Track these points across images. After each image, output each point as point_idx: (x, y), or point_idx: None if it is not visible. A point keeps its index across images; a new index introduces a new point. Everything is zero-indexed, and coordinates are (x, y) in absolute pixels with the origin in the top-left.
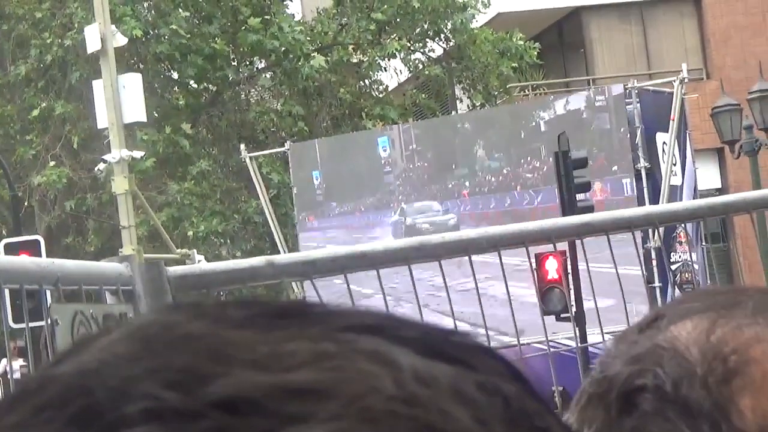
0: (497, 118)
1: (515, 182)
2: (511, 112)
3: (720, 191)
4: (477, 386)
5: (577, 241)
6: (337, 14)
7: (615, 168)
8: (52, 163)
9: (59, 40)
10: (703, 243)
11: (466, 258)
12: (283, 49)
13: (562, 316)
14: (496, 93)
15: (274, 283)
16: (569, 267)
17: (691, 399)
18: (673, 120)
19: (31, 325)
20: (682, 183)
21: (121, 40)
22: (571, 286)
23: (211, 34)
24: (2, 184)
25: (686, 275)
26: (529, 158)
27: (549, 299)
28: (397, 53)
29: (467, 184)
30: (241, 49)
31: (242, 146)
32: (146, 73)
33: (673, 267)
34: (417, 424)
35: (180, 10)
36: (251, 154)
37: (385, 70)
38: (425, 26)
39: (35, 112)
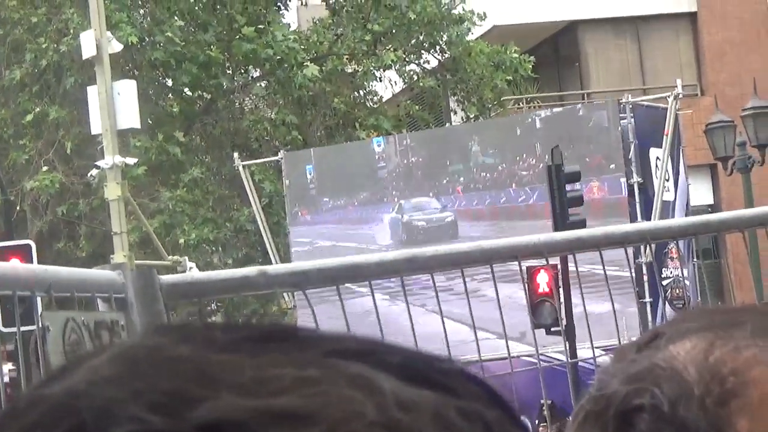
0: (492, 125)
1: (510, 179)
2: (507, 122)
3: (712, 207)
4: (458, 412)
5: (570, 255)
6: (332, 24)
7: (612, 166)
8: (44, 168)
9: (54, 45)
10: (695, 259)
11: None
12: (277, 57)
13: (552, 329)
14: (490, 105)
15: (265, 293)
16: (560, 281)
17: (688, 420)
18: (667, 135)
19: (22, 329)
20: (675, 198)
21: (116, 47)
22: (562, 300)
23: (206, 42)
24: None
25: (677, 291)
26: (524, 155)
27: (540, 313)
28: (392, 64)
29: (461, 180)
30: (236, 58)
31: (235, 154)
32: (141, 79)
33: (665, 282)
34: None
35: (175, 18)
36: (244, 163)
37: (380, 81)
38: (421, 38)
39: (29, 117)
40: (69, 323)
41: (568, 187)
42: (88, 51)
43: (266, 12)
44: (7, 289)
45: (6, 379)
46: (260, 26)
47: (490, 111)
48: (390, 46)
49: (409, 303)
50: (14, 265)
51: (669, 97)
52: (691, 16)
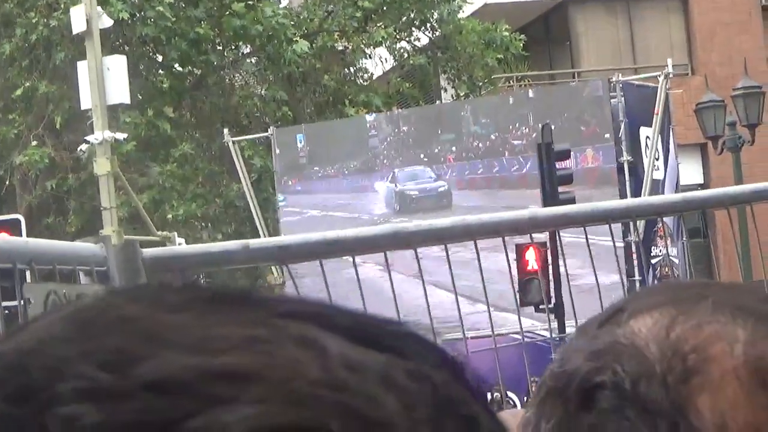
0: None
1: (503, 148)
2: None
3: (702, 187)
4: (406, 373)
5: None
6: (323, 1)
7: (607, 135)
8: (34, 143)
9: (45, 20)
10: (684, 238)
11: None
12: (267, 34)
13: (540, 307)
14: (480, 83)
15: (251, 267)
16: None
17: (650, 397)
18: (657, 115)
19: (8, 304)
20: (665, 177)
21: (106, 22)
22: (551, 277)
23: (196, 17)
24: None
25: (666, 269)
26: (517, 124)
27: (528, 290)
28: (382, 41)
29: (453, 149)
30: (226, 34)
31: (225, 130)
32: (131, 55)
33: (654, 261)
34: (342, 408)
35: None
36: (234, 139)
37: (370, 58)
38: (412, 15)
39: (18, 92)
40: (51, 296)
41: (558, 165)
42: (78, 26)
43: None
44: None
45: None
46: (250, 2)
47: (480, 89)
48: (381, 23)
49: (409, 275)
50: None
51: (659, 76)
52: None
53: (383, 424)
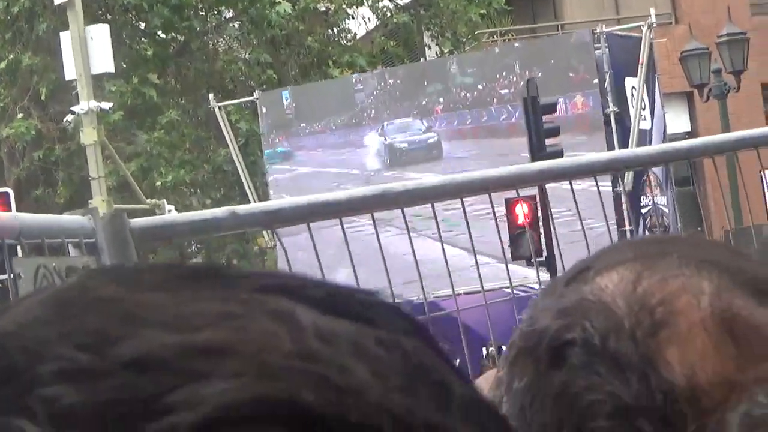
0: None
1: (491, 98)
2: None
3: (690, 135)
4: (377, 342)
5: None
6: None
7: (596, 81)
8: (20, 115)
9: None
10: (672, 187)
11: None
12: None
13: (531, 261)
14: (464, 39)
15: (240, 233)
16: (539, 212)
17: (619, 352)
18: (642, 64)
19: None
20: (651, 127)
21: None
22: (542, 231)
23: None
24: None
25: (655, 219)
26: (504, 73)
27: (519, 244)
28: (364, 1)
29: (441, 100)
30: None
31: (211, 96)
32: (114, 23)
33: (643, 211)
34: (314, 378)
35: None
36: (220, 104)
37: (353, 18)
38: None
39: (2, 65)
40: (40, 270)
41: (544, 119)
42: None
43: None
44: None
45: None
46: None
47: (464, 45)
48: None
49: (409, 231)
50: None
51: (643, 26)
52: None
53: (355, 392)
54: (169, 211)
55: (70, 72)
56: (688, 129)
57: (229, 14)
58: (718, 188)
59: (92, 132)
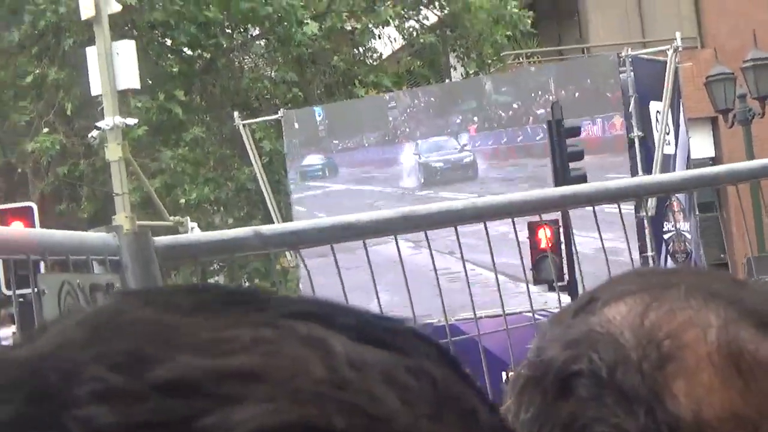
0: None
1: (527, 117)
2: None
3: (713, 160)
4: (407, 370)
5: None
6: None
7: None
8: (45, 130)
9: (53, 6)
10: (695, 213)
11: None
12: (276, 15)
13: (554, 285)
14: (489, 61)
15: (263, 252)
16: (562, 236)
17: (627, 384)
18: (667, 88)
19: (22, 292)
20: (676, 152)
21: (114, 7)
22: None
23: (204, 1)
24: None
25: (678, 245)
26: (539, 92)
27: (542, 268)
28: (391, 21)
29: (475, 119)
30: (235, 16)
31: (236, 113)
32: (140, 40)
33: (666, 236)
34: (345, 405)
35: None
36: (245, 122)
37: (379, 38)
38: None
39: (29, 79)
40: (64, 286)
41: (568, 142)
42: (86, 11)
43: None
44: (2, 253)
45: (10, 342)
46: None
47: (489, 66)
48: (389, 2)
49: (439, 251)
50: (8, 229)
51: (669, 50)
52: None
53: (385, 420)
54: (193, 228)
55: (95, 87)
56: (712, 154)
57: (256, 32)
58: (741, 214)
59: (117, 148)
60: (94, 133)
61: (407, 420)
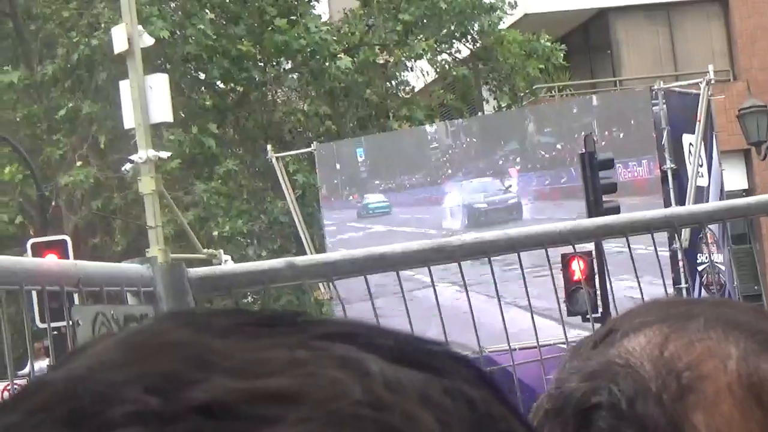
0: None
1: (570, 158)
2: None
3: (747, 192)
4: (444, 391)
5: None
6: (364, 15)
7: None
8: (79, 163)
9: (86, 40)
10: (729, 244)
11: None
12: (309, 49)
13: (588, 317)
14: (522, 94)
15: (297, 285)
16: (596, 267)
17: (646, 416)
18: (700, 121)
19: (56, 325)
20: (709, 184)
21: (147, 41)
22: (598, 287)
23: (237, 35)
24: (30, 183)
25: (711, 277)
26: (582, 133)
27: (575, 300)
28: (423, 54)
29: (518, 160)
30: (268, 50)
31: (269, 146)
32: (173, 73)
33: (699, 268)
34: (382, 426)
35: (206, 11)
36: (277, 155)
37: (412, 71)
38: (452, 27)
39: (62, 112)
40: (98, 317)
41: (601, 174)
42: (119, 45)
43: (297, 3)
44: (37, 284)
45: None
46: (292, 17)
47: (522, 100)
48: (421, 35)
49: (476, 291)
50: (43, 260)
51: (701, 82)
52: (723, 2)
53: None
54: (226, 261)
55: (128, 121)
56: (746, 186)
57: (288, 66)
58: None
59: (150, 181)
60: (128, 166)
61: None
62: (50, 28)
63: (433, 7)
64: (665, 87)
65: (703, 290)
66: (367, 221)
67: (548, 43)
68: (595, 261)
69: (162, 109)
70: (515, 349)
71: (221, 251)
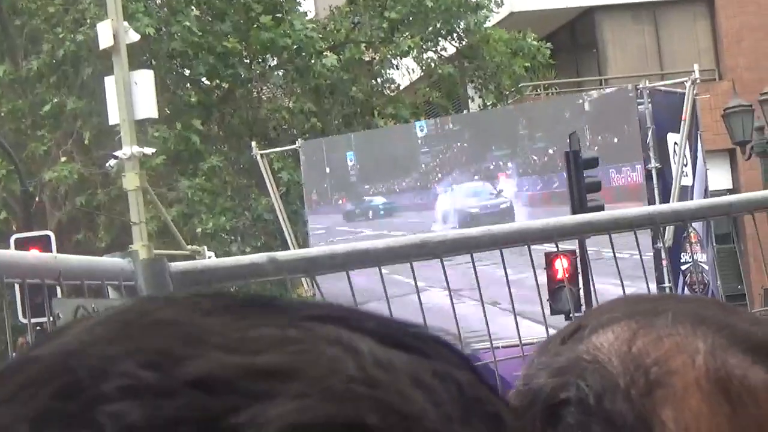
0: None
1: (562, 162)
2: (555, 103)
3: (731, 192)
4: (432, 373)
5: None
6: (350, 12)
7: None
8: (63, 159)
9: (72, 36)
10: (713, 244)
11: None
12: (295, 46)
13: (571, 315)
14: (507, 92)
15: (280, 280)
16: (579, 266)
17: (615, 412)
18: (685, 120)
19: (38, 320)
20: (693, 183)
21: (133, 37)
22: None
23: (223, 32)
24: (13, 179)
25: (695, 276)
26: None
27: (558, 298)
28: (409, 51)
29: (509, 164)
30: (253, 47)
31: (253, 143)
32: (158, 69)
33: (683, 267)
34: (377, 403)
35: (192, 8)
36: (262, 152)
37: (397, 69)
38: (438, 25)
39: (47, 108)
40: (79, 311)
41: (586, 173)
42: (105, 41)
43: (282, 0)
44: (17, 277)
45: None
46: (278, 15)
47: (507, 98)
48: (407, 33)
49: (468, 296)
50: (23, 253)
51: (686, 82)
52: (709, 1)
53: (416, 418)
54: (210, 257)
55: (113, 117)
56: (730, 186)
57: (274, 63)
58: (758, 245)
59: (134, 177)
60: (112, 162)
61: (437, 418)
62: (35, 23)
63: (419, 4)
64: (650, 85)
65: (686, 290)
66: (355, 225)
67: (534, 42)
68: (578, 260)
69: (147, 106)
70: (498, 347)
71: (205, 248)
